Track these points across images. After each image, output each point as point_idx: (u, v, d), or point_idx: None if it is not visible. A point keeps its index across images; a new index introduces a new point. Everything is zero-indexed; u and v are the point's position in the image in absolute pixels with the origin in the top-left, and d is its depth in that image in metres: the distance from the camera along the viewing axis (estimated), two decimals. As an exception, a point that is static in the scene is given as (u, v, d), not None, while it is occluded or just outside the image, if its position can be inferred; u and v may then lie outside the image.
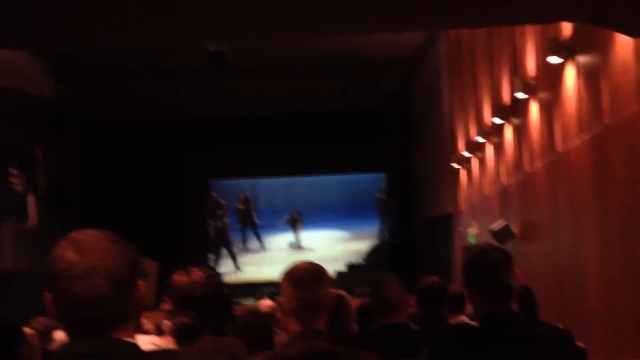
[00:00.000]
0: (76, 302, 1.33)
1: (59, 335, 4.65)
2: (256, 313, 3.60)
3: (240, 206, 17.49)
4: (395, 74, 15.18)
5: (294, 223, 17.62)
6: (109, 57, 12.87)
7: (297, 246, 17.57)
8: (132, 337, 1.38)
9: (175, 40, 8.30)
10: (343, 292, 3.52)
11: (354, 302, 3.61)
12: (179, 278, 2.35)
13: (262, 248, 17.46)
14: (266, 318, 3.62)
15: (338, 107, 16.08)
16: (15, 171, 11.00)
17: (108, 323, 1.35)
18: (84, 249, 1.35)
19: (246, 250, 17.58)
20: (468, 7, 5.51)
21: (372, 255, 17.49)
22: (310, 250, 17.26)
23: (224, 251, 17.39)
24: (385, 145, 16.07)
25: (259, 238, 17.49)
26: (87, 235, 1.38)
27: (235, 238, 17.57)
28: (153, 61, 13.15)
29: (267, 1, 5.11)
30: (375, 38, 12.04)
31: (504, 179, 8.97)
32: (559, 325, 2.54)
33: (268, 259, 17.14)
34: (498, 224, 8.66)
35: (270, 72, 14.00)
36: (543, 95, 7.27)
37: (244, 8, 5.22)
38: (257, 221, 17.57)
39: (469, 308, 3.90)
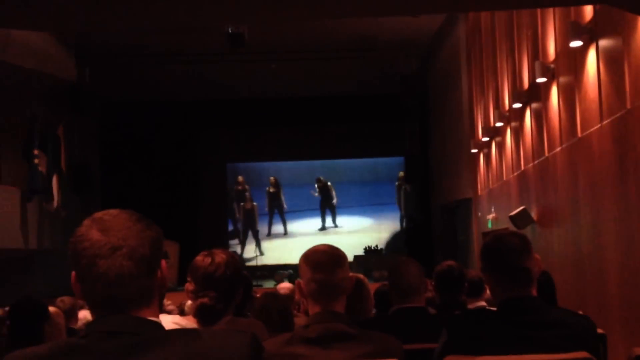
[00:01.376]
0: (100, 281, 1.34)
1: (83, 314, 4.72)
2: (275, 295, 3.63)
3: (271, 189, 17.55)
4: (413, 58, 15.09)
5: (325, 191, 17.59)
6: (128, 40, 12.92)
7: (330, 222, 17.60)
8: (156, 316, 1.39)
9: (194, 22, 8.31)
10: (361, 276, 3.54)
11: (372, 286, 3.62)
12: (201, 259, 2.37)
13: (286, 233, 17.50)
14: (285, 300, 3.65)
15: (356, 90, 16.04)
16: (38, 152, 11.11)
17: (131, 302, 1.36)
18: (108, 229, 1.37)
19: (271, 235, 17.63)
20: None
21: (390, 240, 17.50)
22: (335, 234, 17.33)
23: (248, 234, 17.45)
24: (403, 129, 16.01)
25: (284, 223, 17.51)
26: (111, 215, 1.40)
27: (261, 222, 17.64)
28: (172, 44, 13.19)
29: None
30: (393, 21, 11.97)
31: (523, 164, 8.91)
32: (579, 311, 2.53)
33: (291, 243, 17.21)
34: (517, 209, 8.63)
35: (289, 55, 13.98)
36: (563, 79, 7.19)
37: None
38: (285, 205, 17.62)
39: (488, 293, 3.90)
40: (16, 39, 10.44)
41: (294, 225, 17.74)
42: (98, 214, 1.40)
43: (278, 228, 17.69)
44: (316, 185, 17.50)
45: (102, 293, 1.35)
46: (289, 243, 17.32)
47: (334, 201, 17.55)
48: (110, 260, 1.34)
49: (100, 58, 13.52)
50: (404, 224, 17.22)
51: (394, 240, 17.29)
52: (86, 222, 1.39)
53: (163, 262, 1.42)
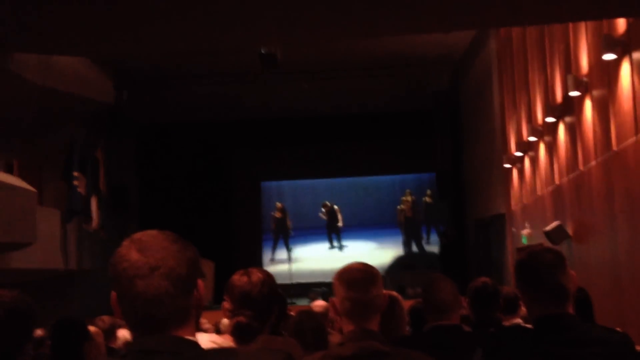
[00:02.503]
0: (139, 301, 1.37)
1: (123, 334, 4.78)
2: (309, 313, 3.63)
3: (277, 214, 17.57)
4: (444, 74, 15.07)
5: (332, 214, 17.61)
6: (163, 63, 13.18)
7: (338, 246, 17.63)
8: (193, 335, 1.41)
9: (228, 45, 8.45)
10: (395, 293, 3.54)
11: (406, 303, 3.61)
12: (238, 278, 2.40)
13: (290, 259, 17.24)
14: (319, 318, 3.65)
15: (387, 108, 16.06)
16: (77, 174, 11.34)
17: (169, 321, 1.38)
18: (147, 249, 1.39)
19: (274, 260, 17.54)
20: (526, 5, 5.45)
21: (423, 256, 17.38)
22: (351, 256, 17.25)
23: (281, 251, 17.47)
24: (434, 145, 15.96)
25: (288, 249, 17.05)
26: (150, 236, 1.42)
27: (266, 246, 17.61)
28: (206, 66, 13.40)
29: (318, 5, 5.17)
30: (424, 37, 11.98)
31: (558, 179, 8.81)
32: (617, 328, 2.48)
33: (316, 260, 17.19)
34: (552, 225, 8.52)
35: (320, 74, 14.08)
36: (597, 92, 7.12)
37: (295, 12, 5.29)
38: (291, 231, 17.59)
39: (524, 310, 3.86)
40: (57, 64, 10.73)
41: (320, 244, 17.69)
42: (137, 235, 1.43)
43: (282, 254, 17.51)
44: (323, 210, 17.48)
45: (141, 312, 1.38)
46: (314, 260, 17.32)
47: (340, 224, 17.53)
48: (148, 280, 1.37)
49: (137, 81, 13.80)
50: (438, 240, 17.09)
51: (427, 257, 17.17)
52: (125, 242, 1.42)
53: (200, 282, 1.44)
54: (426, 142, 16.09)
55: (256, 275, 2.37)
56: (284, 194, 17.90)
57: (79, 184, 11.33)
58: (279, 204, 17.57)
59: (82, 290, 12.41)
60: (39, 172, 11.90)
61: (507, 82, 11.89)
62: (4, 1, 4.83)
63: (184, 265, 1.40)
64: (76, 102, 11.77)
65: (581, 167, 7.75)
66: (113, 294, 1.41)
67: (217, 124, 16.44)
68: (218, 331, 5.40)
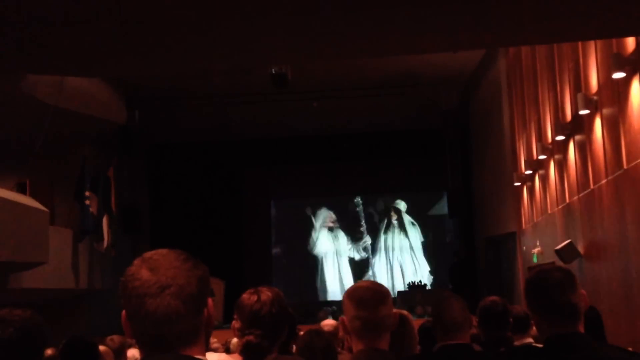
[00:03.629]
0: (149, 319, 1.36)
1: (132, 353, 4.79)
2: (319, 332, 3.62)
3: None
4: (454, 92, 15.10)
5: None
6: (174, 83, 13.29)
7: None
8: (203, 354, 1.41)
9: (239, 65, 8.53)
10: (405, 312, 3.53)
11: (415, 322, 3.60)
12: (247, 297, 2.39)
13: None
14: (329, 337, 3.64)
15: (397, 126, 16.10)
16: (89, 194, 11.40)
17: (179, 340, 1.37)
18: (157, 268, 1.39)
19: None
20: (535, 25, 5.48)
21: (433, 275, 17.31)
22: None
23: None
24: (444, 163, 15.96)
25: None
26: (160, 255, 1.42)
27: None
28: (217, 86, 13.50)
29: (327, 25, 5.22)
30: (433, 56, 12.03)
31: (568, 197, 8.79)
32: (629, 348, 2.46)
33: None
34: (563, 243, 8.48)
35: (330, 93, 14.15)
36: (607, 111, 7.12)
37: (304, 33, 5.35)
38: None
39: (535, 330, 3.83)
40: (69, 85, 10.85)
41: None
42: (148, 254, 1.43)
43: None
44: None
45: (151, 331, 1.37)
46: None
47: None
48: (159, 299, 1.36)
49: (149, 101, 13.91)
50: (448, 258, 17.03)
51: (437, 275, 17.09)
52: (136, 261, 1.42)
53: (210, 301, 1.44)
54: (436, 160, 16.09)
55: (266, 294, 2.37)
56: (291, 211, 17.92)
57: (91, 203, 11.40)
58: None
59: (92, 310, 12.43)
60: (51, 192, 11.99)
61: (516, 100, 11.90)
62: (17, 23, 4.91)
63: (195, 284, 1.40)
64: (88, 122, 11.88)
65: (592, 185, 7.73)
66: (123, 312, 1.41)
67: (228, 143, 16.51)
68: (228, 350, 5.39)
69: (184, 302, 1.38)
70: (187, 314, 1.38)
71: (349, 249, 17.80)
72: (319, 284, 17.58)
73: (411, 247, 17.68)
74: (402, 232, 17.74)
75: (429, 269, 17.43)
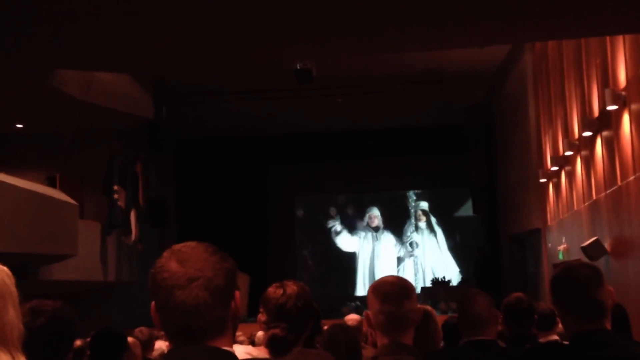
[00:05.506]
0: (177, 310, 1.38)
1: (160, 345, 4.86)
2: (343, 327, 3.64)
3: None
4: (479, 88, 15.00)
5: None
6: (201, 79, 13.40)
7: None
8: (230, 346, 1.42)
9: (264, 61, 8.56)
10: (429, 308, 3.53)
11: (439, 318, 3.60)
12: (273, 291, 2.41)
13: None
14: (353, 332, 3.66)
15: (421, 122, 16.04)
16: (117, 188, 11.56)
17: (207, 331, 1.39)
18: (186, 260, 1.41)
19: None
20: (562, 20, 5.43)
21: (457, 271, 17.24)
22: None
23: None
24: (469, 159, 15.86)
25: None
26: (189, 247, 1.44)
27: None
28: (242, 81, 13.57)
29: (352, 21, 5.23)
30: (458, 52, 11.96)
31: (595, 194, 8.69)
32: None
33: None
34: (589, 240, 8.40)
35: (354, 89, 14.14)
36: (635, 106, 7.03)
37: (330, 28, 5.36)
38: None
39: (561, 327, 3.81)
40: (98, 80, 11.00)
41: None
42: (177, 246, 1.45)
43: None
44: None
45: (179, 323, 1.39)
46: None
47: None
48: (187, 291, 1.38)
49: (176, 96, 14.04)
50: (473, 254, 16.94)
51: (461, 272, 17.02)
52: (165, 253, 1.44)
53: (237, 294, 1.46)
54: (461, 156, 16.00)
55: (291, 288, 2.40)
56: (318, 207, 17.96)
57: (119, 197, 11.55)
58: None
59: (120, 302, 12.60)
60: (81, 186, 12.18)
61: (542, 96, 11.78)
62: (46, 19, 5.00)
63: (222, 277, 1.42)
64: (117, 117, 12.03)
65: (619, 181, 7.64)
66: (152, 304, 1.43)
67: (253, 139, 16.60)
68: (253, 344, 5.44)
69: (211, 294, 1.39)
70: (215, 305, 1.40)
71: (378, 246, 17.80)
72: (343, 279, 17.60)
73: (437, 245, 17.62)
74: (428, 230, 17.68)
75: (455, 266, 17.35)
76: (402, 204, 17.81)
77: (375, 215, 17.79)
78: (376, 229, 17.75)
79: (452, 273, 17.15)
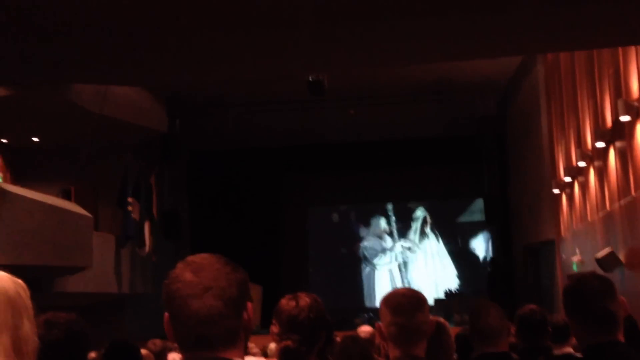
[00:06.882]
0: (191, 320, 1.40)
1: (173, 357, 4.87)
2: (355, 338, 3.65)
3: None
4: (491, 99, 14.98)
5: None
6: (214, 91, 13.50)
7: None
8: (242, 357, 1.44)
9: (276, 73, 8.62)
10: (442, 319, 3.53)
11: (453, 330, 3.59)
12: (286, 302, 2.42)
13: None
14: (365, 344, 3.66)
15: (433, 133, 16.01)
16: (131, 200, 11.63)
17: (220, 341, 1.41)
18: (200, 270, 1.43)
19: None
20: (573, 31, 5.43)
21: (470, 282, 17.14)
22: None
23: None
24: (481, 170, 15.82)
25: None
26: (202, 258, 1.47)
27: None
28: (255, 93, 13.66)
29: (365, 34, 5.26)
30: (470, 63, 11.97)
31: (609, 204, 8.64)
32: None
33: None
34: (603, 251, 8.34)
35: (366, 100, 14.17)
36: (649, 117, 7.00)
37: (342, 42, 5.39)
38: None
39: (575, 339, 3.78)
40: (113, 94, 11.10)
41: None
42: (190, 258, 1.48)
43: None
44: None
45: (193, 332, 1.41)
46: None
47: None
48: (201, 300, 1.41)
49: (189, 109, 14.13)
50: (485, 266, 16.84)
51: (474, 283, 16.93)
52: (179, 265, 1.47)
53: (249, 305, 1.48)
54: (473, 167, 15.95)
55: (304, 300, 2.40)
56: (330, 219, 17.96)
57: (133, 209, 11.62)
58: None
59: (134, 314, 12.63)
60: (95, 198, 12.27)
61: (555, 106, 11.75)
62: (62, 36, 5.07)
63: (235, 287, 1.44)
64: (131, 130, 12.13)
65: (633, 192, 7.59)
66: (166, 315, 1.45)
67: (266, 150, 16.64)
68: (265, 355, 5.44)
69: (225, 304, 1.42)
70: (229, 315, 1.42)
71: (387, 256, 17.75)
72: (355, 291, 17.56)
73: (448, 254, 17.56)
74: (437, 240, 17.62)
75: (466, 277, 17.25)
76: (414, 215, 17.76)
77: (385, 226, 17.74)
78: (393, 239, 17.68)
79: (464, 284, 17.05)
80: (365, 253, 17.76)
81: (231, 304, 1.43)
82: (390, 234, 17.75)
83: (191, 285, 1.42)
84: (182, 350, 1.46)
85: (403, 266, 17.61)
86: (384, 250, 17.78)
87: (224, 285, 1.43)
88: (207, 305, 1.41)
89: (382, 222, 17.82)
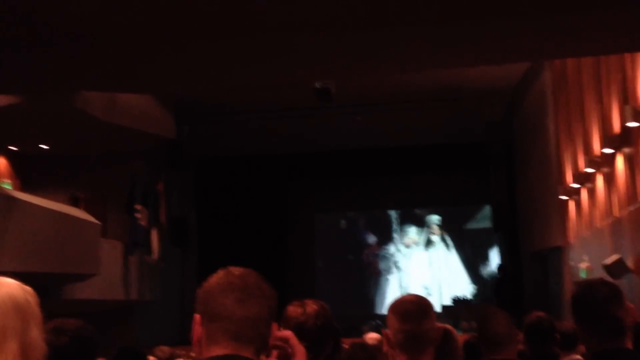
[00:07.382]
0: (235, 318, 1.47)
1: (180, 364, 4.88)
2: (363, 346, 3.65)
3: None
4: (498, 105, 14.96)
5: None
6: (222, 98, 13.54)
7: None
8: None
9: (284, 80, 8.65)
10: (449, 326, 3.52)
11: (460, 337, 3.58)
12: (293, 309, 2.43)
13: None
14: (373, 351, 3.66)
15: (440, 139, 16.00)
16: (139, 207, 11.67)
17: (253, 344, 1.48)
18: (243, 276, 1.53)
19: None
20: (582, 37, 5.43)
21: (478, 289, 17.10)
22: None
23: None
24: (488, 177, 15.78)
25: None
26: (242, 269, 1.57)
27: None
28: (262, 100, 13.69)
29: (372, 40, 5.28)
30: (477, 69, 11.96)
31: (617, 211, 8.61)
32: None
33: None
34: (612, 258, 8.30)
35: (373, 107, 14.17)
36: (656, 123, 6.99)
37: (349, 48, 5.42)
38: None
39: (583, 346, 3.77)
40: (121, 101, 11.15)
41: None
42: (231, 267, 1.58)
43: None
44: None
45: (230, 332, 1.47)
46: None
47: None
48: (245, 303, 1.49)
49: (197, 116, 14.18)
50: (493, 272, 16.79)
51: (482, 290, 16.88)
52: (220, 271, 1.56)
53: (274, 325, 1.55)
54: (480, 173, 15.92)
55: (311, 307, 2.41)
56: (337, 225, 17.96)
57: (141, 216, 11.65)
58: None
59: (142, 321, 12.63)
60: (104, 205, 12.30)
61: (562, 112, 11.73)
62: (71, 43, 5.10)
63: (274, 299, 1.55)
64: (139, 137, 12.17)
65: (641, 199, 7.57)
66: (197, 316, 1.51)
67: (274, 157, 16.66)
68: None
69: (267, 310, 1.52)
70: (267, 322, 1.52)
71: (394, 263, 17.73)
72: (362, 298, 17.52)
73: (456, 262, 17.51)
74: (444, 246, 17.59)
75: (474, 283, 17.20)
76: (421, 222, 17.74)
77: (392, 233, 17.73)
78: (399, 245, 17.66)
79: (471, 291, 17.00)
80: (373, 259, 17.73)
81: (269, 311, 1.53)
82: (397, 241, 17.72)
83: (237, 287, 1.51)
84: (214, 350, 1.48)
85: (410, 273, 17.56)
86: (391, 257, 17.75)
87: (267, 294, 1.54)
88: (250, 305, 1.49)
89: (386, 228, 17.80)
